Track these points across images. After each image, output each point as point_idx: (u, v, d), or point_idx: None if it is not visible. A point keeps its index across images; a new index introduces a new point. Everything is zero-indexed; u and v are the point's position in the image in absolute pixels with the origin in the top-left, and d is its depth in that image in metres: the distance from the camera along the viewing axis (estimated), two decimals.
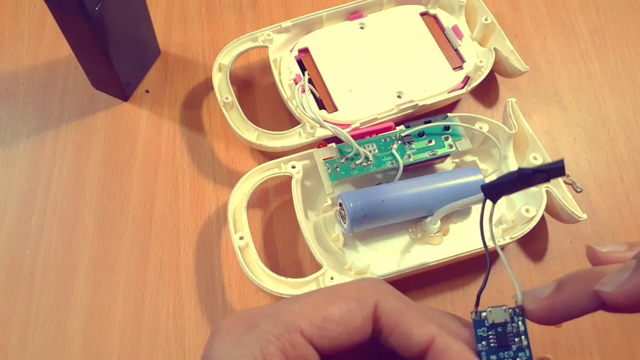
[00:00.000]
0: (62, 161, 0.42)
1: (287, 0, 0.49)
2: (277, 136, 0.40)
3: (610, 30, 0.49)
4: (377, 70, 0.42)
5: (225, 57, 0.43)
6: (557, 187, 0.37)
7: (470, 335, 0.22)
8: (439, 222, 0.37)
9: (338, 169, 0.38)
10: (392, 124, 0.40)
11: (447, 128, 0.39)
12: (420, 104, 0.41)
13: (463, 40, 0.43)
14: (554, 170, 0.21)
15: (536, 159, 0.39)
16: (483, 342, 0.22)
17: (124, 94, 0.44)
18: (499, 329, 0.22)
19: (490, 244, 0.24)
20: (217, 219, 0.40)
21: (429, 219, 0.37)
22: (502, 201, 0.40)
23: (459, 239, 0.38)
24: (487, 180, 0.38)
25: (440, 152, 0.39)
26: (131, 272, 0.38)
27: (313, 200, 0.39)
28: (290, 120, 0.43)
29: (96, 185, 0.41)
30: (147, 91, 0.45)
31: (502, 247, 0.39)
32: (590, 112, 0.45)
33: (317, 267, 0.36)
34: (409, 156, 0.38)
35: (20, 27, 0.47)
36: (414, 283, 0.38)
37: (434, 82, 0.42)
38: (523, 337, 0.22)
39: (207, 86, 0.45)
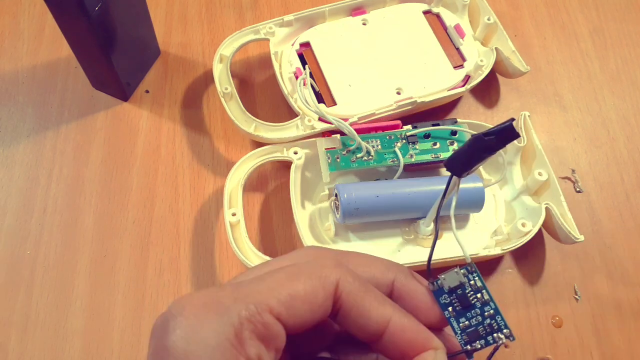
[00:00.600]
0: (62, 161, 0.42)
1: (288, 0, 0.49)
2: (274, 128, 0.40)
3: (610, 30, 0.49)
4: (378, 66, 0.43)
5: (227, 49, 0.43)
6: (558, 205, 0.37)
7: (420, 285, 0.23)
8: (432, 224, 0.37)
9: (338, 160, 0.38)
10: (399, 122, 0.40)
11: (454, 133, 0.39)
12: (419, 100, 0.41)
13: (465, 39, 0.43)
14: (503, 130, 0.21)
15: (541, 174, 0.38)
16: (449, 309, 0.23)
17: (124, 94, 0.44)
18: (459, 292, 0.23)
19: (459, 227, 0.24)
20: (217, 219, 0.40)
21: (422, 220, 0.37)
22: (501, 212, 0.39)
23: (452, 244, 0.38)
24: (486, 189, 0.38)
25: (443, 155, 0.39)
26: (131, 272, 0.38)
27: (311, 191, 0.40)
28: (289, 113, 0.43)
29: (96, 186, 0.41)
30: (147, 91, 0.45)
31: (495, 257, 0.39)
32: (590, 112, 0.45)
33: None
34: (411, 156, 0.38)
35: (20, 27, 0.47)
36: None
37: (434, 80, 0.42)
38: (484, 291, 0.22)
39: (207, 86, 0.45)
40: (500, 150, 0.38)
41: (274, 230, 0.40)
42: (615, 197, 0.42)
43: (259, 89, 0.45)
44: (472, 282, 0.23)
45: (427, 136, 0.39)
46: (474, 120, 0.41)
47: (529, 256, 0.39)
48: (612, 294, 0.38)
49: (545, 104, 0.46)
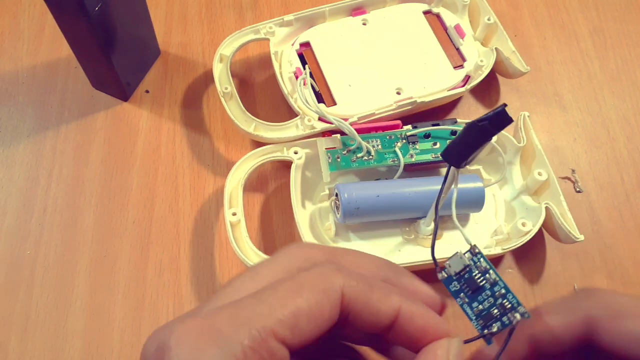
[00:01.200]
0: (62, 161, 0.42)
1: (288, 0, 0.49)
2: (274, 127, 0.40)
3: (610, 30, 0.49)
4: (378, 66, 0.43)
5: (227, 48, 0.43)
6: (558, 204, 0.37)
7: (413, 280, 0.22)
8: (432, 224, 0.37)
9: (339, 160, 0.38)
10: (399, 122, 0.40)
11: (454, 133, 0.39)
12: (419, 100, 0.41)
13: (465, 40, 0.44)
14: (496, 115, 0.21)
15: (540, 174, 0.38)
16: (461, 295, 0.22)
17: (124, 94, 0.44)
18: (466, 276, 0.22)
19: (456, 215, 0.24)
20: (217, 219, 0.40)
21: (422, 220, 0.37)
22: (501, 212, 0.39)
23: (452, 245, 0.38)
24: (486, 189, 0.38)
25: None
26: (131, 272, 0.38)
27: (311, 191, 0.40)
28: (289, 113, 0.43)
29: (96, 186, 0.41)
30: (147, 91, 0.45)
31: (496, 257, 0.39)
32: (590, 112, 0.45)
33: None
34: (412, 156, 0.39)
35: (20, 27, 0.47)
36: None
37: (434, 80, 0.42)
38: (491, 271, 0.22)
39: (207, 86, 0.45)
40: (501, 150, 0.39)
41: (274, 230, 0.40)
42: (615, 197, 0.42)
43: (259, 89, 0.45)
44: (477, 263, 0.22)
45: (427, 136, 0.39)
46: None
47: (529, 256, 0.39)
48: None
49: (545, 104, 0.46)
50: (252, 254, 0.36)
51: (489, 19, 0.43)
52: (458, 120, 0.40)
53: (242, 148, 0.43)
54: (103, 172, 0.42)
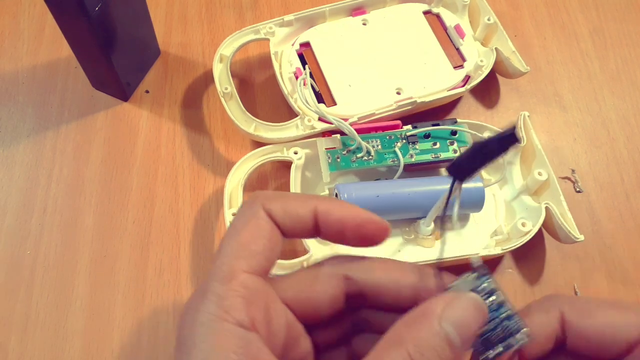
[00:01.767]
0: (62, 161, 0.42)
1: (288, 0, 0.49)
2: (274, 128, 0.40)
3: (610, 30, 0.49)
4: (378, 66, 0.43)
5: (227, 49, 0.43)
6: (558, 204, 0.37)
7: (342, 202, 0.24)
8: (432, 224, 0.37)
9: (339, 160, 0.38)
10: (399, 122, 0.40)
11: (454, 133, 0.39)
12: (419, 100, 0.41)
13: (465, 40, 0.44)
14: (505, 137, 0.21)
15: (541, 174, 0.38)
16: None
17: (124, 94, 0.44)
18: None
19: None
20: (217, 219, 0.40)
21: (422, 220, 0.37)
22: (501, 212, 0.39)
23: (452, 245, 0.38)
24: (486, 189, 0.38)
25: (443, 155, 0.39)
26: (131, 272, 0.38)
27: (311, 191, 0.40)
28: (289, 113, 0.43)
29: (96, 186, 0.41)
30: (147, 91, 0.45)
31: (495, 257, 0.39)
32: (590, 112, 0.45)
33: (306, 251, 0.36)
34: (412, 156, 0.39)
35: (20, 27, 0.47)
36: None
37: (434, 80, 0.42)
38: (499, 292, 0.22)
39: (207, 86, 0.45)
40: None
41: None
42: (615, 197, 0.42)
43: (259, 89, 0.45)
44: (484, 285, 0.22)
45: (427, 136, 0.39)
46: (474, 120, 0.41)
47: (529, 256, 0.39)
48: (612, 294, 0.38)
49: (545, 104, 0.46)
50: None
51: (489, 19, 0.43)
52: (458, 120, 0.40)
53: (242, 148, 0.43)
54: (103, 172, 0.42)
